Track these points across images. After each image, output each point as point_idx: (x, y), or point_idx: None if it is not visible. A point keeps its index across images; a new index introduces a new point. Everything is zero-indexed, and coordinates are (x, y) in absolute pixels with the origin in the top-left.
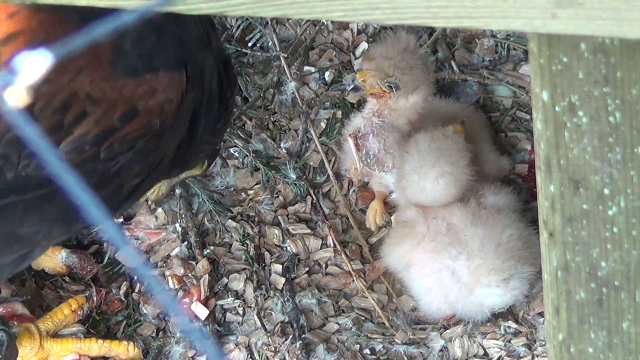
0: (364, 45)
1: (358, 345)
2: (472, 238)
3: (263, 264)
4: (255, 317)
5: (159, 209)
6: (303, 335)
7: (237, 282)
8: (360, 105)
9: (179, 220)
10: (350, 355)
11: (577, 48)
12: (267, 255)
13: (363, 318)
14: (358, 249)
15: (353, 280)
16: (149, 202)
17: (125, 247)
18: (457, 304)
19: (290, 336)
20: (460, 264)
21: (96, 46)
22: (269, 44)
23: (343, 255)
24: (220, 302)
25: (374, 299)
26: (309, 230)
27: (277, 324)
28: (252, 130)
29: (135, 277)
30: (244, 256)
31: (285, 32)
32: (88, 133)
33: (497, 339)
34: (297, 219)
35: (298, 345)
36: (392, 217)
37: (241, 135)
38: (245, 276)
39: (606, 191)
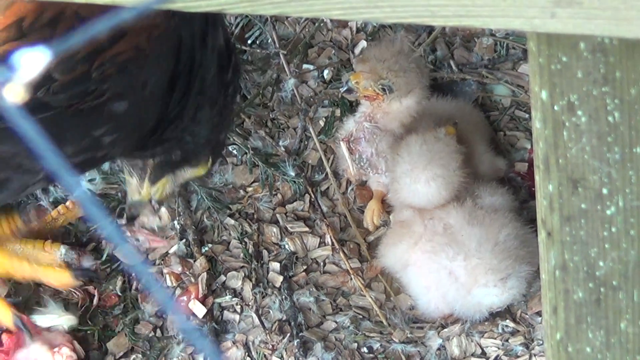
0: (363, 44)
1: (356, 344)
2: (469, 238)
3: (261, 262)
4: (254, 314)
5: (162, 209)
6: (301, 334)
7: (235, 280)
8: (358, 104)
9: (177, 218)
10: (347, 354)
11: (576, 47)
12: (265, 253)
13: (361, 316)
14: (356, 248)
15: (351, 279)
16: (153, 202)
17: (123, 244)
18: (455, 304)
19: (288, 334)
20: (458, 263)
21: None
22: (268, 42)
23: (341, 254)
24: (218, 300)
25: (371, 298)
26: (307, 229)
27: (275, 322)
28: (251, 128)
29: (133, 275)
30: (242, 254)
31: (285, 30)
32: (78, 52)
33: (495, 338)
34: (295, 217)
35: (296, 344)
36: (390, 216)
37: (240, 132)
38: (243, 274)
39: (604, 191)
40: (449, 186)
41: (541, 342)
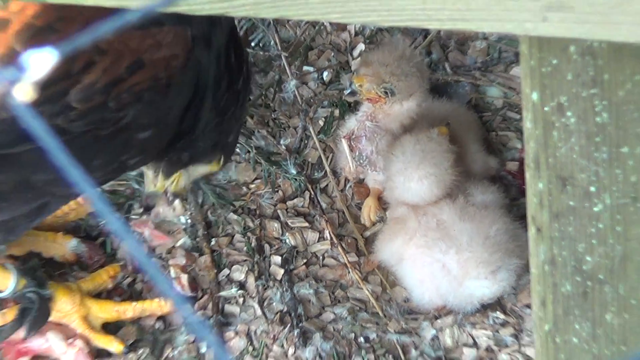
0: (361, 47)
1: (353, 334)
2: (461, 233)
3: (263, 256)
4: (256, 305)
5: (177, 201)
6: (300, 324)
7: (239, 273)
8: (356, 105)
9: (186, 214)
10: (345, 344)
11: (566, 50)
12: (267, 247)
13: (358, 308)
14: (354, 242)
15: (349, 272)
16: (168, 195)
17: (129, 239)
18: (448, 296)
19: (289, 324)
20: (450, 257)
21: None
22: (271, 44)
23: (339, 248)
24: (223, 293)
25: (368, 290)
26: (307, 224)
27: (276, 313)
28: (254, 127)
29: (139, 268)
30: (245, 248)
31: (286, 33)
32: (96, 82)
33: (486, 329)
34: (295, 213)
35: (295, 334)
36: (386, 213)
37: (243, 131)
38: (246, 267)
39: (592, 188)
40: (440, 184)
41: (530, 333)
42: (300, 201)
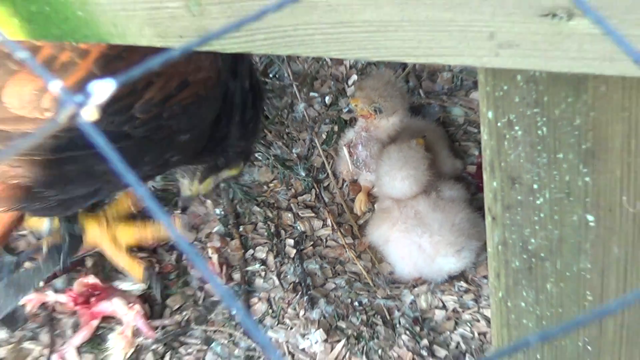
0: (354, 77)
1: (350, 299)
2: (433, 221)
3: (280, 239)
4: (275, 277)
5: (208, 201)
6: (309, 292)
7: (261, 253)
8: (351, 122)
9: (220, 208)
10: (343, 307)
11: (514, 79)
12: (283, 232)
13: (353, 279)
14: (350, 228)
15: (346, 251)
16: (200, 196)
17: (173, 229)
18: (423, 269)
19: (300, 292)
20: (425, 240)
21: None
22: (284, 75)
23: (338, 233)
24: (249, 268)
25: (361, 265)
26: (313, 214)
27: (290, 283)
28: (272, 140)
29: (182, 250)
30: (266, 233)
31: (296, 67)
32: (154, 97)
33: (452, 295)
34: (305, 206)
35: (305, 299)
36: (375, 205)
37: (263, 143)
38: (267, 248)
39: (535, 186)
40: (418, 182)
41: (487, 299)
42: (308, 197)
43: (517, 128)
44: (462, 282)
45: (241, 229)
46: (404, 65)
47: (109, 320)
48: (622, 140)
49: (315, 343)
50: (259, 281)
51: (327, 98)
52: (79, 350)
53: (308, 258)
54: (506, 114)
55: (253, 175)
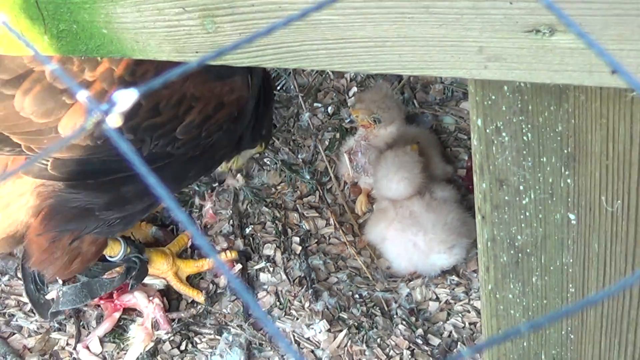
0: (354, 89)
1: (351, 292)
2: (426, 220)
3: (287, 237)
4: (282, 272)
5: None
6: (313, 285)
7: (270, 250)
8: (352, 130)
9: (228, 208)
10: (345, 299)
11: (501, 89)
12: (289, 231)
13: (354, 273)
14: (350, 227)
15: (347, 248)
16: (232, 171)
17: (191, 225)
18: (418, 265)
19: (305, 286)
20: (419, 238)
21: None
22: (291, 87)
23: (340, 231)
24: (257, 266)
25: (361, 261)
26: (317, 214)
27: (296, 277)
28: (280, 146)
29: (198, 246)
30: (274, 231)
31: (302, 79)
32: (194, 120)
33: (445, 288)
34: (309, 206)
35: (310, 292)
36: (373, 206)
37: (272, 149)
38: (275, 245)
39: (521, 187)
40: (412, 185)
41: (477, 291)
42: (313, 198)
43: (504, 134)
44: (454, 276)
45: (251, 227)
46: (399, 78)
47: (130, 313)
48: (601, 145)
49: (319, 332)
50: (267, 276)
51: (329, 108)
52: (102, 340)
53: (312, 254)
54: (494, 122)
55: (262, 179)
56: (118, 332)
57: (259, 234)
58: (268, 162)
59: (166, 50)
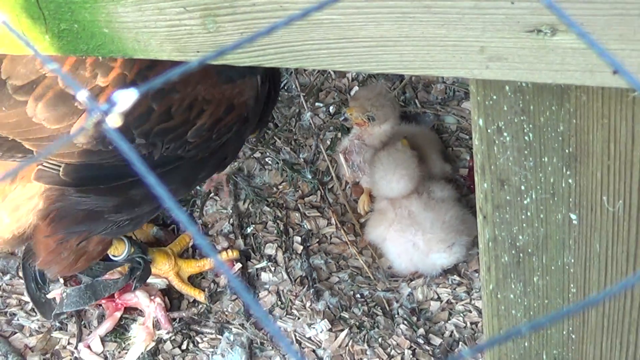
0: (356, 89)
1: (352, 292)
2: (425, 220)
3: (288, 236)
4: (283, 272)
5: (218, 199)
6: (315, 285)
7: (271, 249)
8: (349, 129)
9: (228, 208)
10: (346, 298)
11: (503, 89)
12: (291, 230)
13: (355, 273)
14: (352, 227)
15: (348, 248)
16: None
17: (191, 226)
18: (418, 264)
19: (306, 285)
20: (419, 237)
21: (206, 66)
22: (292, 87)
23: (342, 231)
24: (258, 266)
25: (362, 260)
26: (319, 214)
27: (297, 277)
28: (281, 145)
29: (198, 245)
30: (275, 231)
31: (303, 79)
32: (205, 123)
33: (447, 288)
34: (311, 206)
35: (311, 292)
36: (374, 206)
37: (273, 149)
38: (276, 245)
39: (522, 187)
40: (412, 180)
41: (478, 291)
42: (314, 197)
43: (505, 134)
44: (455, 276)
45: (252, 227)
46: (401, 78)
47: (131, 312)
48: (602, 145)
49: (321, 332)
50: (268, 275)
51: (331, 108)
52: (104, 339)
53: (314, 254)
54: (495, 122)
55: (264, 178)
56: (119, 332)
57: (260, 234)
58: (269, 162)
59: (167, 50)
